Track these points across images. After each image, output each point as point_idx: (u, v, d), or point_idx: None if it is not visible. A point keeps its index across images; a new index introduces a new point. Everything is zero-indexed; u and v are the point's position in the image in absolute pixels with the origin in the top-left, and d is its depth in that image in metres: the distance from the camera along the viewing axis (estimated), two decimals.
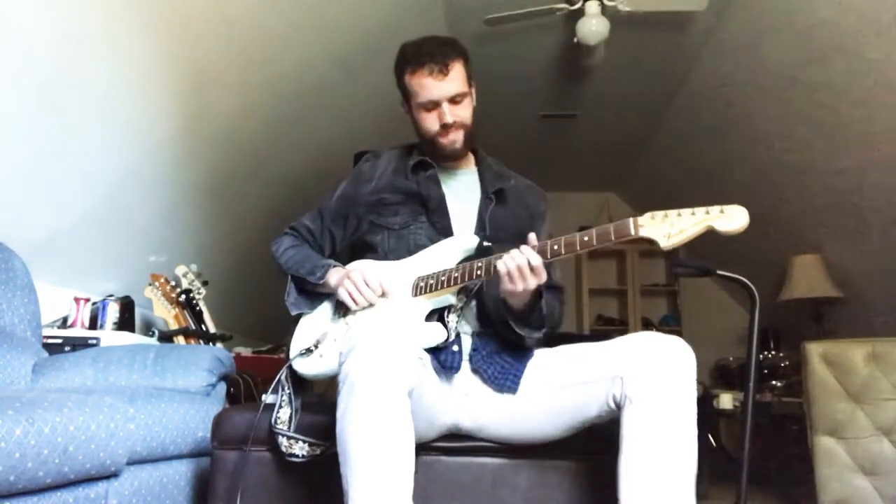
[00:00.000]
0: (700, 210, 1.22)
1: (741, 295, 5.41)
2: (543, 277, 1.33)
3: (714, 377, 4.99)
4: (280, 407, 1.44)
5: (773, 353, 4.50)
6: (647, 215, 1.25)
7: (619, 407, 1.25)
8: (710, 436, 4.07)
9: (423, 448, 1.41)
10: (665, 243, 1.22)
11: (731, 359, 4.81)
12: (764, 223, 4.25)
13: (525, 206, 1.63)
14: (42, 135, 2.11)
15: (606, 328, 5.91)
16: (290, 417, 1.42)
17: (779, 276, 4.29)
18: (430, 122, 1.53)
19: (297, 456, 1.39)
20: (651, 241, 1.23)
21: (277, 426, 1.41)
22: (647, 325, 5.93)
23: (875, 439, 2.40)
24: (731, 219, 1.19)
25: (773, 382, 3.83)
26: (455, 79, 1.50)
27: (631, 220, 1.26)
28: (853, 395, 2.44)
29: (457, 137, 1.54)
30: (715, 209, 1.21)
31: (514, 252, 1.32)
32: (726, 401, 3.86)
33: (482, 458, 1.43)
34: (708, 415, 3.97)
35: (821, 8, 2.93)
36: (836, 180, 3.60)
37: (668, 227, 1.22)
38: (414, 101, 1.53)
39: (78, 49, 2.04)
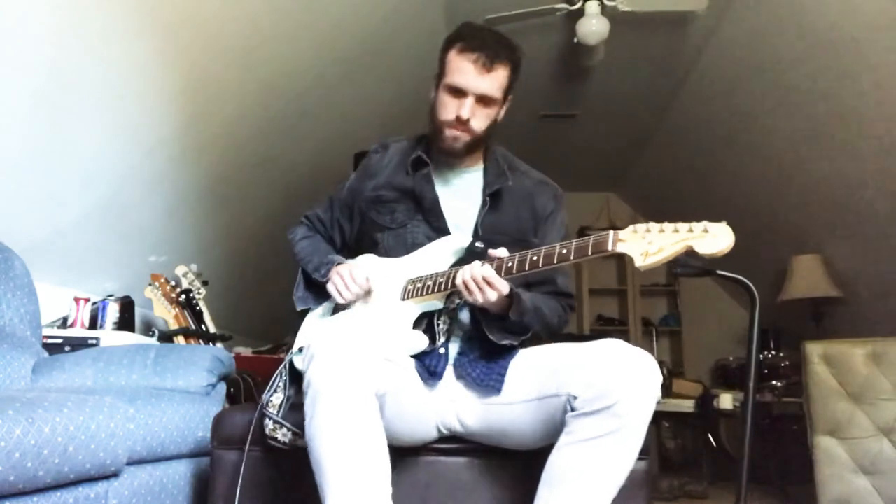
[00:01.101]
0: (683, 226, 1.13)
1: (741, 295, 5.41)
2: (503, 289, 1.29)
3: (714, 377, 4.99)
4: (274, 391, 1.43)
5: (773, 353, 4.49)
6: (630, 228, 1.17)
7: (573, 409, 1.19)
8: (710, 436, 4.07)
9: (423, 448, 1.41)
10: (640, 262, 1.14)
11: (731, 359, 4.81)
12: (764, 223, 4.25)
13: (530, 208, 1.56)
14: (42, 135, 2.10)
15: (606, 328, 5.91)
16: (282, 403, 1.41)
17: (779, 276, 4.29)
18: (449, 108, 1.47)
19: (278, 441, 1.38)
20: (627, 259, 1.17)
21: (268, 408, 1.40)
22: (647, 325, 5.93)
23: (875, 439, 2.41)
24: (715, 239, 1.10)
25: (773, 382, 3.83)
26: (495, 80, 1.45)
27: (611, 233, 1.19)
28: (853, 395, 2.45)
29: (461, 137, 1.48)
30: (699, 227, 1.11)
31: (475, 264, 1.31)
32: (726, 401, 3.86)
33: (482, 458, 1.42)
34: (708, 415, 3.97)
35: (822, 9, 2.93)
36: (836, 180, 3.60)
37: (647, 245, 1.14)
38: (445, 78, 1.47)
39: (77, 49, 2.03)
